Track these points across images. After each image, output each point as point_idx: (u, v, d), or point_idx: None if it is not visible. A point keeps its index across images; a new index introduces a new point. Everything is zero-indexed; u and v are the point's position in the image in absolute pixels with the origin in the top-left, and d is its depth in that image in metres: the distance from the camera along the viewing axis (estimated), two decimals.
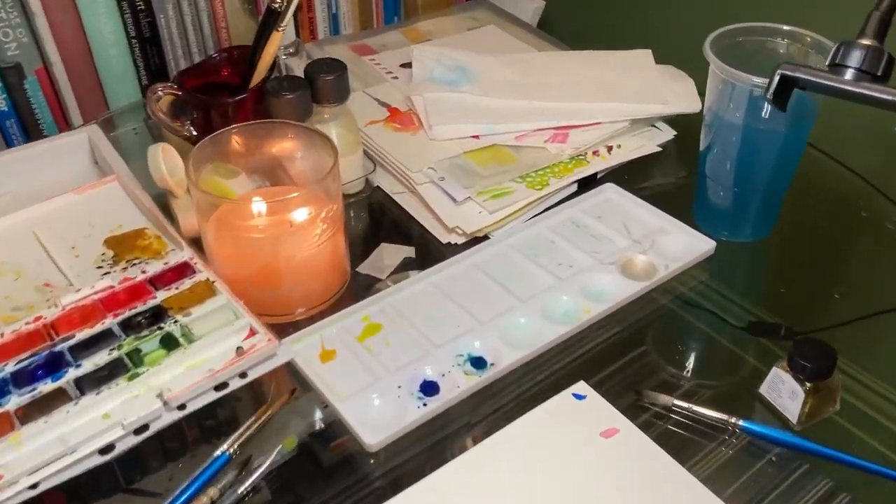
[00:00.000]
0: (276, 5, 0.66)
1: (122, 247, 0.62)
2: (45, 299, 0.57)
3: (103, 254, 0.61)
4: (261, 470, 0.50)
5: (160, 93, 0.68)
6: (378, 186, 0.74)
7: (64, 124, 0.88)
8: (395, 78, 0.85)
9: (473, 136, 0.75)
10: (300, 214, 0.58)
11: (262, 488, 0.50)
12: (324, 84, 0.68)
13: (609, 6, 1.07)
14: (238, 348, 0.52)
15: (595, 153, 0.74)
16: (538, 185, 0.70)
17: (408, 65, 0.85)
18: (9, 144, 0.85)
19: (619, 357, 0.58)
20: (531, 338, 0.58)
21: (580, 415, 0.52)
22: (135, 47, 0.87)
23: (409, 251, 0.67)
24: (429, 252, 0.68)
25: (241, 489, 0.49)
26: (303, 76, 0.69)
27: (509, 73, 0.81)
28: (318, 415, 0.54)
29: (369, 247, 0.68)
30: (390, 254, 0.67)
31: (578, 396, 0.53)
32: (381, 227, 0.72)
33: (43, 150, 0.74)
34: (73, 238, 0.63)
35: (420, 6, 1.03)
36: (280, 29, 0.67)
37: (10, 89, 0.83)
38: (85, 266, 0.60)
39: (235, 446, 0.51)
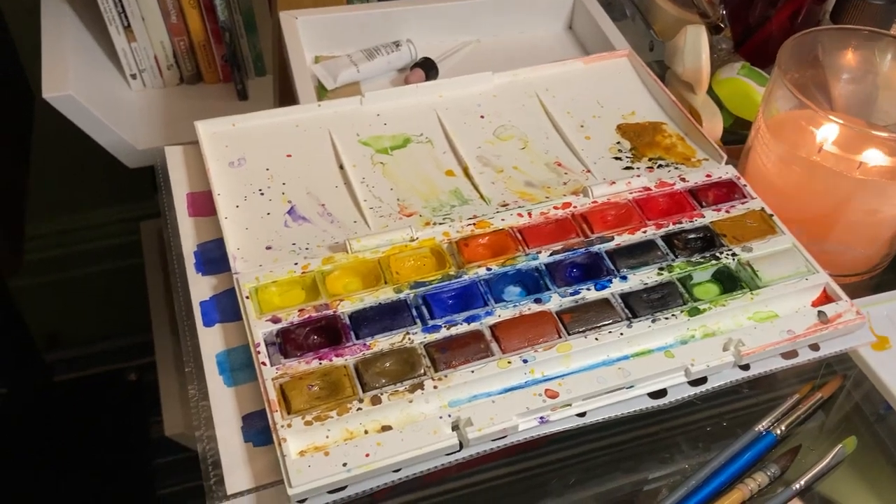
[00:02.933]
0: None
1: (641, 140, 0.52)
2: (560, 182, 0.49)
3: (618, 142, 0.52)
4: (816, 469, 0.40)
5: None
6: None
7: None
8: None
9: None
10: None
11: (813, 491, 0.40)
12: None
13: None
14: (820, 312, 0.41)
15: None
16: None
17: None
18: None
19: None
20: None
21: None
22: None
23: None
24: None
25: (796, 487, 0.40)
26: None
27: None
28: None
29: None
30: None
31: None
32: None
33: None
34: (580, 115, 0.53)
35: None
36: None
37: None
38: (598, 152, 0.51)
39: (782, 428, 0.42)
